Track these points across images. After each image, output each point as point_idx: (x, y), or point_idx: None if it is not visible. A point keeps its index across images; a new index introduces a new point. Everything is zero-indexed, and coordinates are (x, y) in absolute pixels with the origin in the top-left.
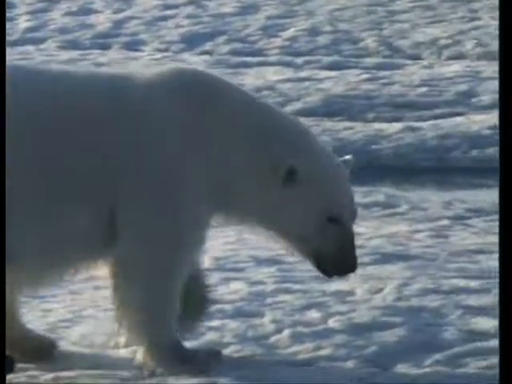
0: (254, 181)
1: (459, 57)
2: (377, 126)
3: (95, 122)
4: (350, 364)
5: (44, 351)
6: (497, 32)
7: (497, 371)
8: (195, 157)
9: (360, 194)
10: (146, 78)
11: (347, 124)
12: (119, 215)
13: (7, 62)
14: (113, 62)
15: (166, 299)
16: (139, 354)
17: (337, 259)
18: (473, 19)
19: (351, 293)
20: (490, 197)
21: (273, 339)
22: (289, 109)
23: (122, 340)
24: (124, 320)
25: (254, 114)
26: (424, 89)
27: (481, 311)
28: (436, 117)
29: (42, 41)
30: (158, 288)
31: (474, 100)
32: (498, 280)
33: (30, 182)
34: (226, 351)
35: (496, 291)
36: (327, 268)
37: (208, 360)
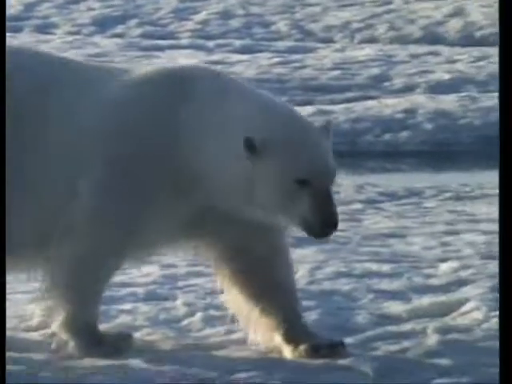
0: (225, 163)
1: (371, 40)
2: None
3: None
4: (262, 348)
5: None
6: (409, 16)
7: (407, 354)
8: (162, 146)
9: None
10: (137, 74)
11: None
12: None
13: None
14: (24, 45)
15: (96, 280)
16: (54, 325)
17: (316, 220)
18: (385, 3)
19: None
20: (402, 181)
21: (185, 322)
22: None
23: (35, 322)
24: (50, 296)
25: (221, 98)
26: (336, 72)
27: (393, 295)
28: (348, 100)
29: None
30: (92, 269)
31: (386, 84)
32: (409, 264)
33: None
34: (138, 334)
35: (408, 275)
36: (311, 230)
37: (118, 343)
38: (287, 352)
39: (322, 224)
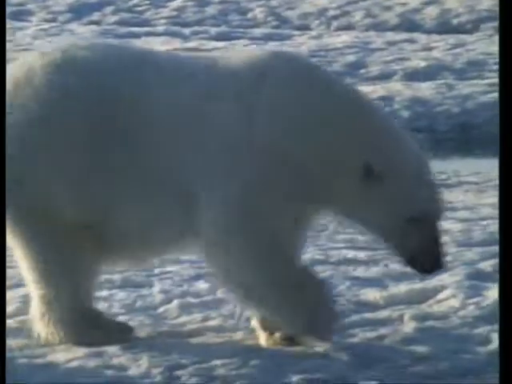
0: (337, 177)
1: (348, 27)
2: None
3: (191, 107)
4: (238, 335)
5: None
6: (386, 3)
7: (384, 341)
8: (283, 145)
9: None
10: (237, 64)
11: None
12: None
13: None
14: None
15: (285, 262)
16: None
17: (423, 260)
18: None
19: None
20: None
21: (161, 309)
22: None
23: (11, 309)
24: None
25: (338, 108)
26: (312, 59)
27: (369, 282)
28: None
29: None
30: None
31: (362, 71)
32: (386, 251)
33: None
34: None
35: (384, 262)
36: (416, 267)
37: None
38: (262, 339)
39: (429, 264)
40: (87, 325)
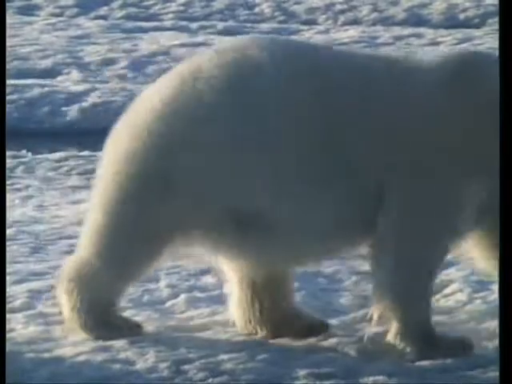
0: None
1: (355, 22)
2: None
3: (375, 104)
4: (245, 330)
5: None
6: None
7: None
8: (470, 148)
9: None
10: (427, 63)
11: None
12: (385, 197)
13: None
14: (8, 27)
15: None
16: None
17: None
18: None
19: None
20: None
21: (168, 304)
22: None
23: (18, 303)
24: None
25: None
26: None
27: None
28: None
29: None
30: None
31: None
32: None
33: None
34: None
35: None
36: None
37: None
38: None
39: None
40: (98, 320)
